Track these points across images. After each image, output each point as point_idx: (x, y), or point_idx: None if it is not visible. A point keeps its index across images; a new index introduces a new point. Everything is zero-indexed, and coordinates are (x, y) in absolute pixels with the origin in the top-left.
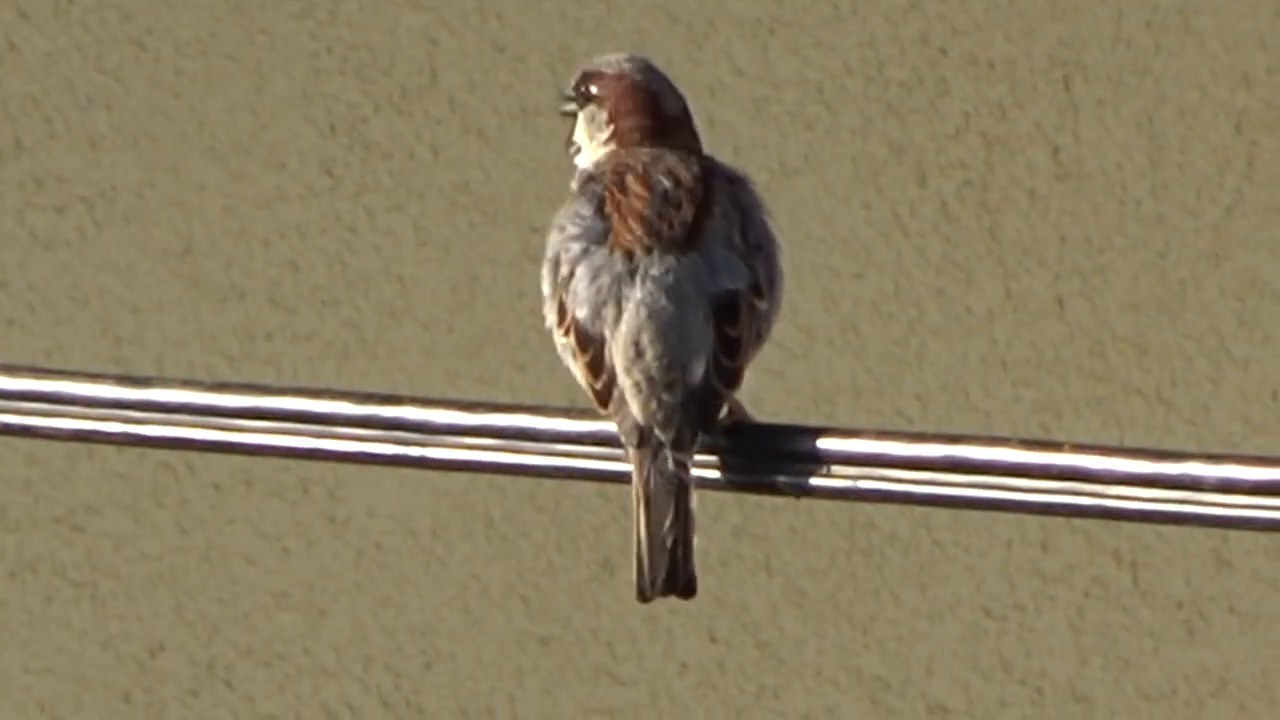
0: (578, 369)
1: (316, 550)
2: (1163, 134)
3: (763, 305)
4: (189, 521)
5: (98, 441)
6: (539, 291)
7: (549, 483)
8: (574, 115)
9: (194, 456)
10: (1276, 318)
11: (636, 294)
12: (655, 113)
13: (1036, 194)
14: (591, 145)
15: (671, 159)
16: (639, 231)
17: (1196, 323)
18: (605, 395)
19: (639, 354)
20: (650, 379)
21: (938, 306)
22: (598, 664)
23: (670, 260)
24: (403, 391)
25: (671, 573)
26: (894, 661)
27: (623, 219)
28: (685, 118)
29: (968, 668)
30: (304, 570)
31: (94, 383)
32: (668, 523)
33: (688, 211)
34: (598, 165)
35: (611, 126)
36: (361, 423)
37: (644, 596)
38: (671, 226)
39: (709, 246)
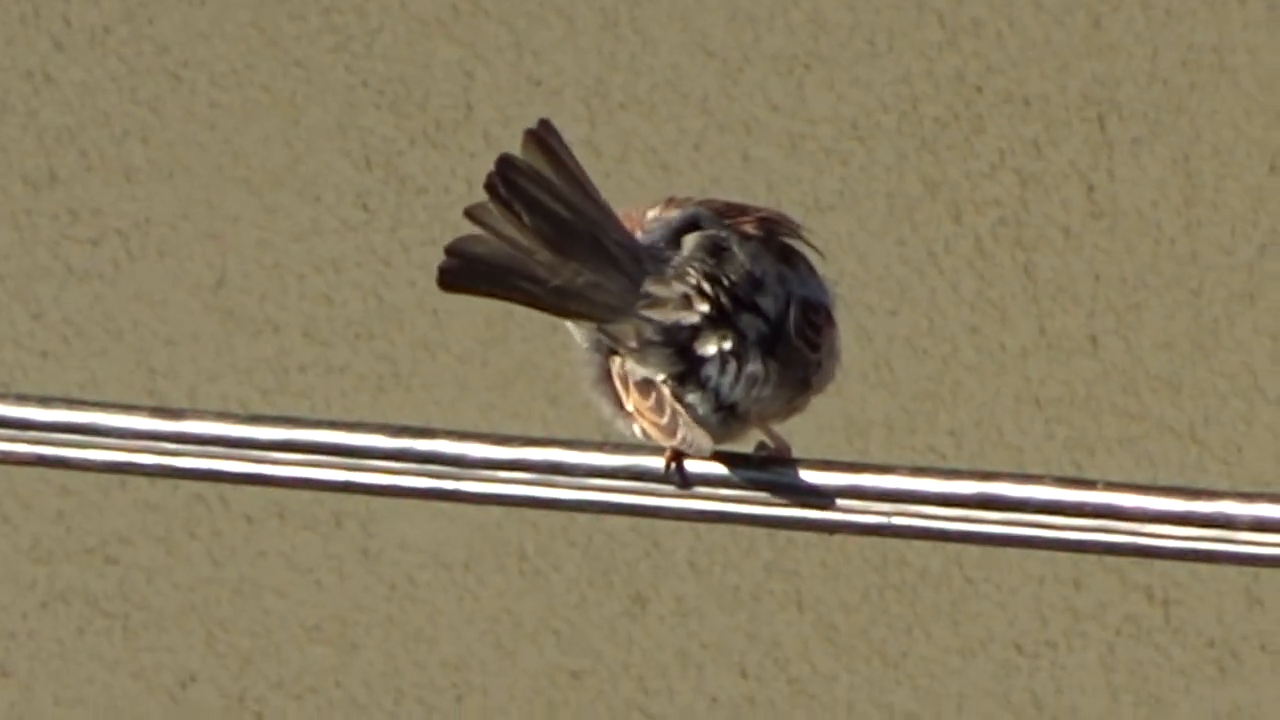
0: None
1: (349, 583)
2: (1197, 172)
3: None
4: (221, 553)
5: (131, 473)
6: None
7: (582, 517)
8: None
9: (227, 488)
10: None
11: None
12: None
13: (1071, 232)
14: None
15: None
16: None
17: (1230, 361)
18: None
19: (703, 263)
20: (709, 280)
21: (971, 344)
22: (629, 699)
23: (755, 247)
24: (436, 425)
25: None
26: (925, 698)
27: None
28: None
29: (999, 704)
30: (336, 603)
31: (128, 414)
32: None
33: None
34: None
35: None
36: (395, 456)
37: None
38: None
39: (801, 268)
